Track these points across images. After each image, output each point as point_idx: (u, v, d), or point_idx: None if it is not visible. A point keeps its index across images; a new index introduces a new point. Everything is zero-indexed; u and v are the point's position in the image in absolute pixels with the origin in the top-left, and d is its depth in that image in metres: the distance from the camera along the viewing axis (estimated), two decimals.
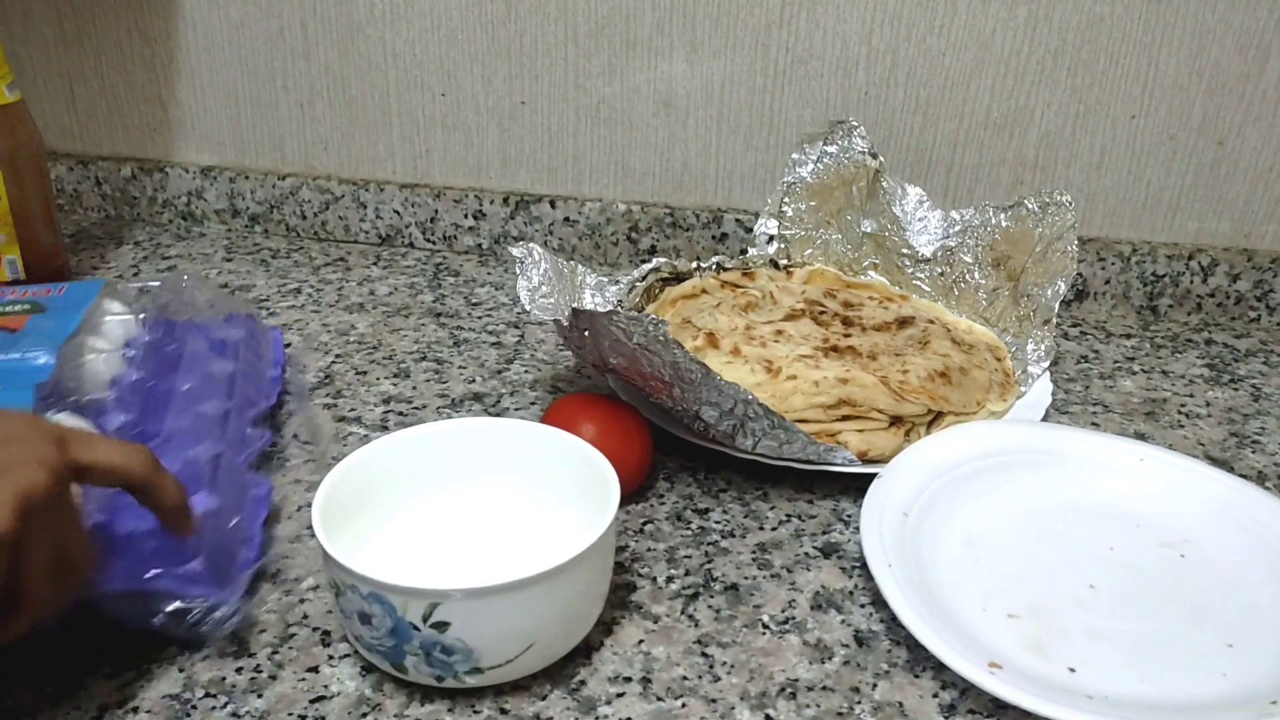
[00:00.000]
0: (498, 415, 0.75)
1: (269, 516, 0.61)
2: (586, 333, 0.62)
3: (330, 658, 0.53)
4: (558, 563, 0.48)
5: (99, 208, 1.08)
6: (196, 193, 1.06)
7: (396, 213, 1.03)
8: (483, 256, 1.03)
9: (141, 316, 0.70)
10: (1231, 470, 0.69)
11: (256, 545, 0.57)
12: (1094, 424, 0.76)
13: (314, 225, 1.05)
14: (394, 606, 0.47)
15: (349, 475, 0.55)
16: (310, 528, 0.62)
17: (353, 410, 0.75)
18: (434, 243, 1.04)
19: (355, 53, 0.99)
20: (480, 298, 0.94)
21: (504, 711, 0.50)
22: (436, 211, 1.02)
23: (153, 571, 0.50)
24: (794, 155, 0.88)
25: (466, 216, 1.02)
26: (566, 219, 1.00)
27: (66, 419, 0.57)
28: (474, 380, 0.79)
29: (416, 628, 0.48)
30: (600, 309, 0.63)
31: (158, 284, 0.74)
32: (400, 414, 0.75)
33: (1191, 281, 0.91)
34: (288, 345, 0.83)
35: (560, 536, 0.56)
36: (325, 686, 0.51)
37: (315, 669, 0.52)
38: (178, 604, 0.50)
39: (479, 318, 0.90)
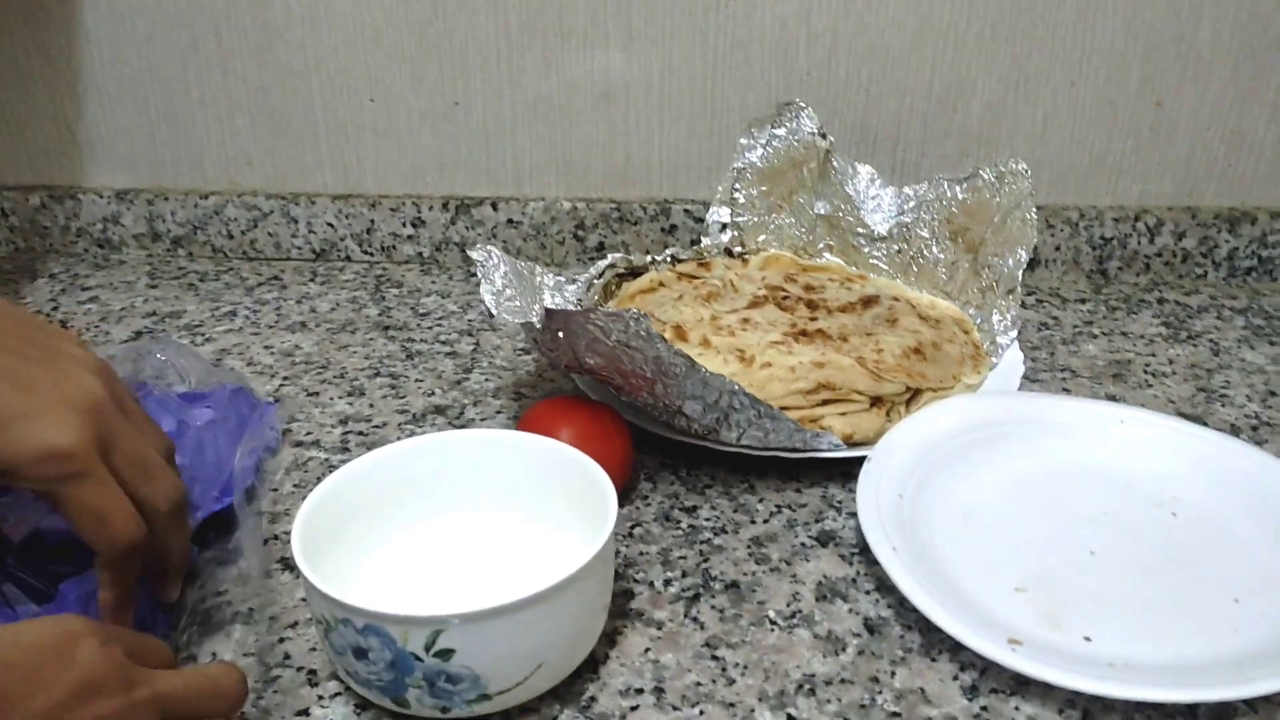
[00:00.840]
0: (463, 427, 0.71)
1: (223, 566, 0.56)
2: (560, 334, 0.60)
3: (320, 698, 0.49)
4: (562, 577, 0.45)
5: (7, 240, 1.02)
6: (112, 218, 1.00)
7: (330, 225, 0.99)
8: (424, 265, 0.99)
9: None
10: (1206, 425, 0.70)
11: None
12: (1065, 389, 0.76)
13: (242, 244, 1.00)
14: (393, 638, 0.44)
15: (327, 501, 0.51)
16: (283, 560, 0.58)
17: (309, 434, 0.71)
18: (372, 254, 1.00)
19: (275, 60, 0.94)
20: (428, 307, 0.90)
21: None
22: (373, 222, 0.98)
23: None
24: (742, 140, 0.87)
25: (405, 225, 0.98)
26: (510, 220, 0.97)
27: None
28: (433, 393, 0.76)
29: (419, 658, 0.44)
30: (569, 308, 0.61)
31: (127, 350, 0.67)
32: (360, 433, 0.71)
33: (1139, 242, 0.92)
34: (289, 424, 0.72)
35: (555, 549, 0.53)
36: None
37: (306, 712, 0.49)
38: None
39: (429, 328, 0.86)
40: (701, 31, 0.89)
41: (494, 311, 0.65)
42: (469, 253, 0.69)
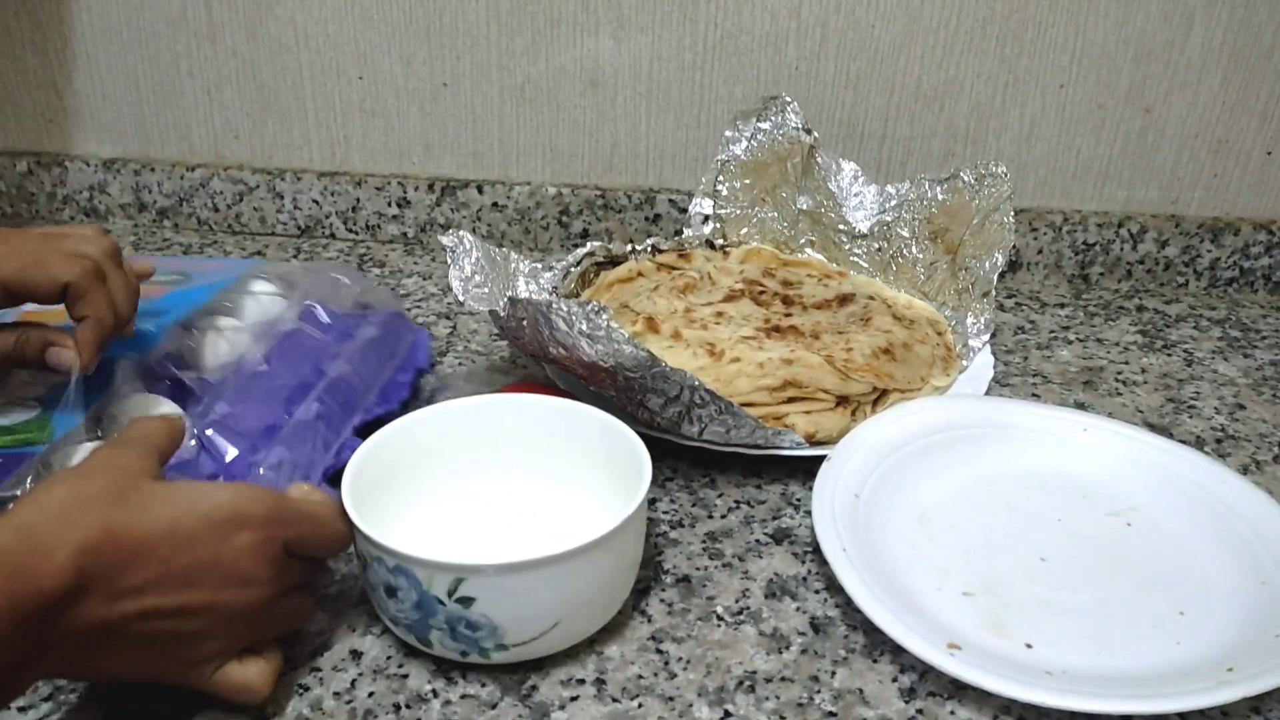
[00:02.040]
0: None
1: None
2: (525, 322, 0.60)
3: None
4: (584, 541, 0.47)
5: None
6: (99, 187, 1.01)
7: (316, 202, 0.99)
8: (409, 245, 0.99)
9: (288, 301, 0.68)
10: (1171, 436, 0.70)
11: None
12: (1035, 395, 0.76)
13: (227, 218, 1.01)
14: (419, 580, 0.47)
15: (379, 450, 0.55)
16: None
17: None
18: (356, 233, 1.00)
19: (265, 34, 0.94)
20: (408, 288, 0.90)
21: None
22: (358, 200, 0.98)
23: None
24: (727, 133, 0.86)
25: (390, 204, 0.98)
26: (495, 204, 0.97)
27: (162, 404, 0.56)
28: None
29: (442, 602, 0.47)
30: (537, 297, 0.61)
31: (307, 268, 0.73)
32: None
33: (1122, 249, 0.92)
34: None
35: (591, 514, 0.56)
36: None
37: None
38: None
39: (407, 309, 0.86)
40: (692, 20, 0.89)
41: (461, 298, 0.65)
42: (440, 238, 0.69)
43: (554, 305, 0.57)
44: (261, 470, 0.54)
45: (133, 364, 0.59)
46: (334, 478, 0.56)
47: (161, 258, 0.77)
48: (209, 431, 0.54)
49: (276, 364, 0.63)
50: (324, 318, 0.69)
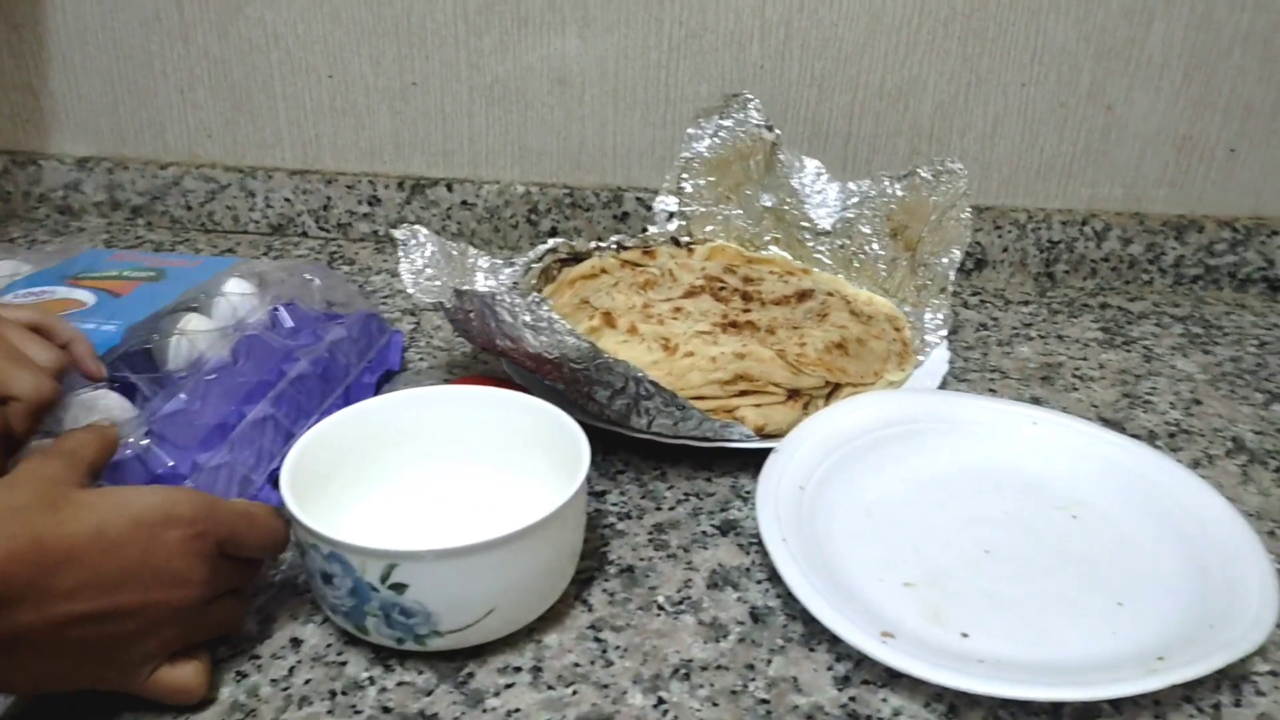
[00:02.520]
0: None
1: None
2: (471, 315, 0.60)
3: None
4: (516, 528, 0.48)
5: None
6: (73, 185, 1.01)
7: (287, 200, 0.99)
8: (379, 243, 1.00)
9: (261, 300, 0.69)
10: (1123, 430, 0.70)
11: None
12: (991, 390, 0.76)
13: (200, 215, 1.01)
14: (353, 567, 0.47)
15: (321, 441, 0.55)
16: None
17: None
18: (328, 230, 1.01)
19: (235, 34, 0.95)
20: (375, 285, 0.91)
21: (385, 710, 0.48)
22: (329, 198, 0.99)
23: None
24: (690, 130, 0.87)
25: (361, 203, 0.99)
26: (464, 202, 0.97)
27: (106, 397, 0.56)
28: None
29: (375, 588, 0.47)
30: (482, 289, 0.61)
31: (282, 266, 0.74)
32: None
33: (1086, 246, 0.92)
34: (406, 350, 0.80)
35: (535, 503, 0.56)
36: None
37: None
38: None
39: (369, 303, 0.87)
40: (657, 19, 0.90)
41: (410, 290, 0.65)
42: (393, 231, 0.70)
43: (497, 297, 0.58)
44: (199, 476, 0.54)
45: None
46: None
47: (139, 254, 0.77)
48: (144, 441, 0.54)
49: (240, 364, 0.63)
50: (288, 320, 0.69)
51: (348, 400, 0.67)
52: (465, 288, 0.59)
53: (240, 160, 1.00)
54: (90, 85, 0.99)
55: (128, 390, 0.58)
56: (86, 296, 0.69)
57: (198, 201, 1.00)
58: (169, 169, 1.00)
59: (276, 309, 0.69)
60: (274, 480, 0.58)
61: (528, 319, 0.58)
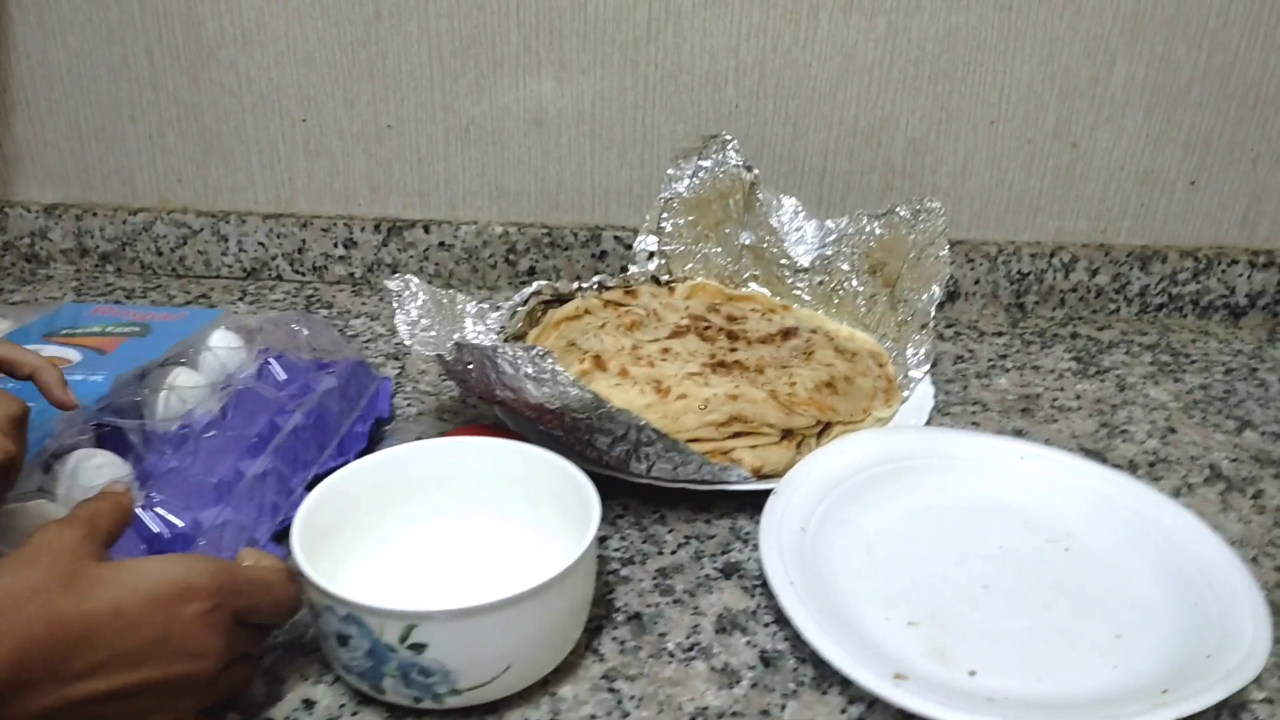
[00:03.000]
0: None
1: None
2: (471, 367, 0.61)
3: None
4: (534, 584, 0.48)
5: None
6: (40, 233, 0.99)
7: (261, 244, 0.99)
8: (356, 286, 0.99)
9: (251, 352, 0.68)
10: (1105, 461, 0.72)
11: None
12: (974, 423, 0.78)
13: (171, 261, 1.00)
14: (370, 628, 0.47)
15: (328, 497, 0.54)
16: None
17: None
18: (303, 274, 1.00)
19: (207, 79, 0.94)
20: (356, 329, 0.90)
21: None
22: (304, 241, 0.98)
23: None
24: (669, 171, 0.88)
25: (336, 245, 0.98)
26: (442, 243, 0.97)
27: (99, 456, 0.55)
28: None
29: (393, 649, 0.47)
30: (482, 339, 0.62)
31: (269, 319, 0.73)
32: None
33: (1055, 278, 0.95)
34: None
35: (541, 556, 0.56)
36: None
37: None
38: None
39: (356, 351, 0.86)
40: (632, 61, 0.91)
41: (408, 342, 0.65)
42: (386, 283, 0.70)
43: (499, 350, 0.58)
44: (203, 535, 0.54)
45: (73, 415, 0.58)
46: (284, 533, 0.56)
47: (121, 308, 0.76)
48: (157, 509, 0.54)
49: (232, 418, 0.63)
50: (280, 372, 0.68)
51: (341, 450, 0.67)
52: (464, 340, 0.59)
53: (212, 205, 0.99)
54: (56, 131, 0.97)
55: (116, 440, 0.58)
56: (71, 354, 0.68)
57: (169, 247, 0.99)
58: (139, 215, 0.98)
59: (267, 361, 0.69)
60: (276, 536, 0.58)
61: (530, 371, 0.58)
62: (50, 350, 0.67)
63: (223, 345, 0.69)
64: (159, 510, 0.53)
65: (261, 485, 0.59)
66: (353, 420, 0.70)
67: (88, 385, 0.62)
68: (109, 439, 0.58)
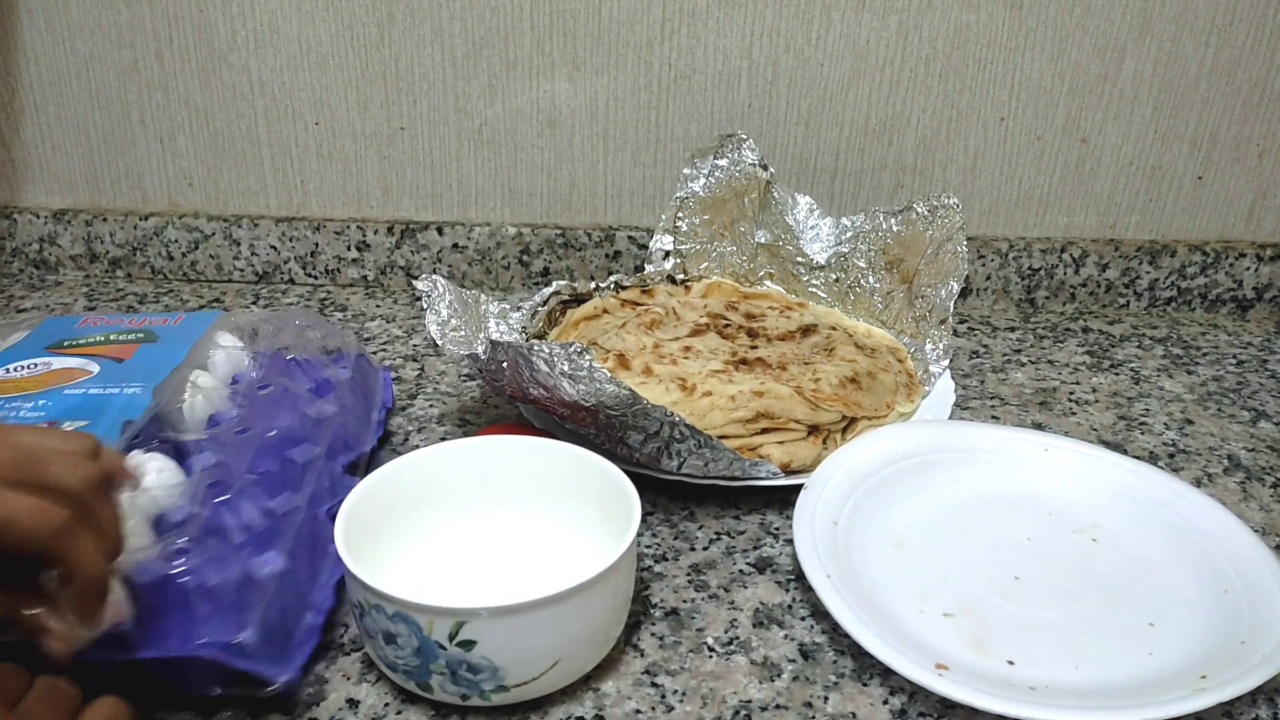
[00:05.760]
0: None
1: None
2: (505, 365, 0.61)
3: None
4: (581, 580, 0.48)
5: None
6: (49, 238, 0.99)
7: (274, 248, 0.98)
8: (369, 289, 0.99)
9: (253, 352, 0.68)
10: (1125, 452, 0.73)
11: (324, 611, 0.54)
12: (994, 417, 0.78)
13: (183, 266, 1.00)
14: (419, 625, 0.47)
15: (370, 494, 0.55)
16: None
17: None
18: (316, 277, 1.00)
19: (218, 82, 0.94)
20: (372, 331, 0.90)
21: None
22: (317, 245, 0.98)
23: (201, 639, 0.47)
24: (685, 170, 0.88)
25: (349, 248, 0.98)
26: (455, 245, 0.97)
27: (156, 460, 0.54)
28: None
29: (443, 647, 0.47)
30: (516, 339, 0.62)
31: (268, 317, 0.73)
32: None
33: (1065, 273, 0.96)
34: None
35: (581, 553, 0.57)
36: None
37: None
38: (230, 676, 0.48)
39: (374, 353, 0.86)
40: (646, 62, 0.91)
41: (439, 343, 0.65)
42: (415, 283, 0.70)
43: (535, 347, 0.58)
44: (268, 521, 0.54)
45: (135, 424, 0.58)
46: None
47: (108, 315, 0.75)
48: (245, 500, 0.54)
49: (256, 414, 0.62)
50: (298, 364, 0.69)
51: (360, 442, 0.68)
52: (497, 338, 0.59)
53: (224, 209, 0.99)
54: (65, 136, 0.97)
55: (165, 449, 0.57)
56: (88, 365, 0.66)
57: (180, 252, 0.99)
58: (149, 219, 0.98)
59: (282, 354, 0.69)
60: (331, 516, 0.58)
61: (565, 368, 0.58)
62: (64, 362, 0.66)
63: (232, 346, 0.69)
64: (247, 501, 0.53)
65: (314, 473, 0.59)
66: (369, 409, 0.71)
67: (134, 401, 0.61)
68: (158, 448, 0.58)
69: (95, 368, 0.66)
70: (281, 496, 0.56)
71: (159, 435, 0.58)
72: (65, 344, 0.69)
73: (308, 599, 0.54)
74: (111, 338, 0.70)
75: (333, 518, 0.54)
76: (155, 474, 0.52)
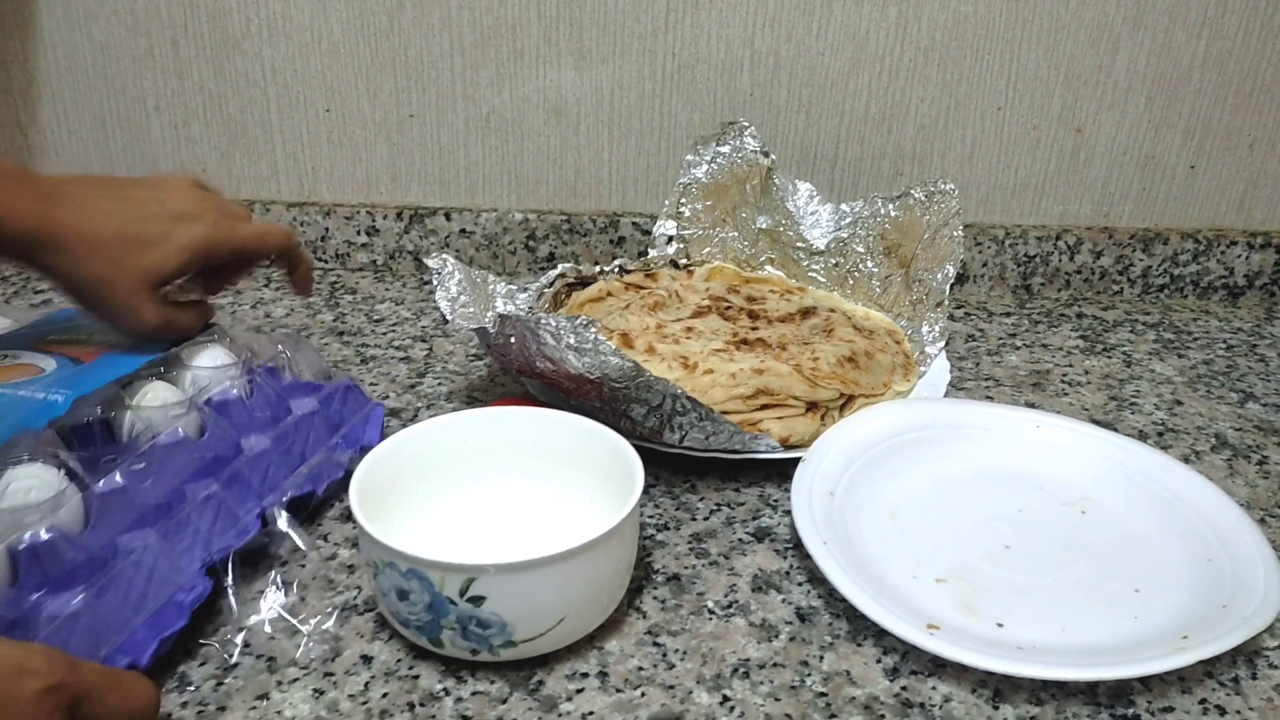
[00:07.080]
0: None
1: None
2: (512, 339, 0.63)
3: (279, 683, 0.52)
4: (590, 537, 0.50)
5: None
6: None
7: None
8: (379, 273, 1.01)
9: (233, 370, 0.65)
10: (1116, 431, 0.75)
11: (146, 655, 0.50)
12: (988, 397, 0.80)
13: None
14: (431, 582, 0.49)
15: (383, 460, 0.57)
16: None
17: None
18: (326, 261, 1.02)
19: (232, 70, 0.96)
20: (381, 314, 0.92)
21: (465, 719, 0.50)
22: (327, 230, 1.00)
23: None
24: (688, 157, 0.90)
25: (359, 233, 1.00)
26: (463, 230, 1.00)
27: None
28: (388, 396, 0.78)
29: (454, 602, 0.49)
30: (523, 314, 0.64)
31: (257, 338, 0.70)
32: None
33: (1060, 260, 0.98)
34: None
35: (587, 519, 0.58)
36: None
37: (265, 695, 0.51)
38: None
39: (383, 334, 0.88)
40: (650, 52, 0.93)
41: (449, 317, 0.67)
42: (425, 260, 0.72)
43: (542, 321, 0.60)
44: (117, 561, 0.51)
45: (34, 434, 0.55)
46: (222, 563, 0.56)
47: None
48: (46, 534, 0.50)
49: (203, 438, 0.60)
50: (262, 392, 0.65)
51: (313, 479, 0.64)
52: (506, 313, 0.61)
53: (236, 194, 1.01)
54: (81, 122, 0.99)
55: (82, 456, 0.55)
56: (46, 362, 0.63)
57: None
58: None
59: (253, 380, 0.65)
60: (207, 568, 0.55)
61: (571, 341, 0.60)
62: (31, 358, 0.64)
63: (208, 365, 0.65)
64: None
65: (203, 511, 0.56)
66: (330, 446, 0.66)
67: (46, 405, 0.57)
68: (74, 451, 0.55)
69: (51, 366, 0.63)
70: (139, 533, 0.53)
71: (56, 449, 0.55)
72: (50, 338, 0.67)
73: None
74: (95, 336, 0.67)
75: (208, 571, 0.54)
76: (23, 492, 0.51)
